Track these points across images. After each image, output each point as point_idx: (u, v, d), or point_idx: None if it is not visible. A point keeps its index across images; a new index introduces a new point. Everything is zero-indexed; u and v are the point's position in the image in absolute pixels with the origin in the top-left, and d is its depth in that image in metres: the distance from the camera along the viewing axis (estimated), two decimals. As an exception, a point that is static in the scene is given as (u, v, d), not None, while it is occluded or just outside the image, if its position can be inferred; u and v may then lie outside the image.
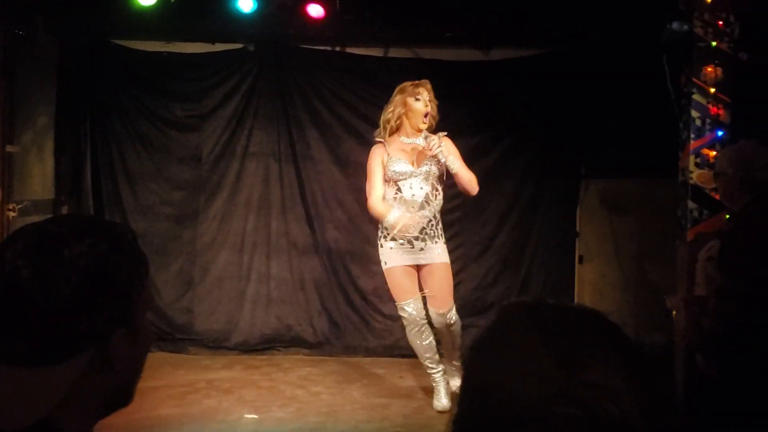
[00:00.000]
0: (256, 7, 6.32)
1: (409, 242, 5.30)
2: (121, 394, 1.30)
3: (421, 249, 5.32)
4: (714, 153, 5.40)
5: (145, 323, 1.30)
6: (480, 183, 7.01)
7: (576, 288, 7.25)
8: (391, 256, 5.36)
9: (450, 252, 7.07)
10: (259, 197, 7.22)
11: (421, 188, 5.29)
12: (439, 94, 7.12)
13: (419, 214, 5.26)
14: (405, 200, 5.28)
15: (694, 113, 5.42)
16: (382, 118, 5.41)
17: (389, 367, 6.77)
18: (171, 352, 7.08)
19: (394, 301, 5.57)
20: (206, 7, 6.51)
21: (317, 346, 7.18)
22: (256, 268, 7.21)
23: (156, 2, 6.18)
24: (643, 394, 0.90)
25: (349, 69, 7.20)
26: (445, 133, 5.32)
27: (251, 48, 7.15)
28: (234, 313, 7.20)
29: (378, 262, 5.61)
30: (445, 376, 5.57)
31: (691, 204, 5.45)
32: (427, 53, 7.15)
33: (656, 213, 6.79)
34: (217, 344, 7.17)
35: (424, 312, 5.46)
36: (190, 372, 6.51)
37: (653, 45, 5.75)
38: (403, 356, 7.01)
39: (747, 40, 5.43)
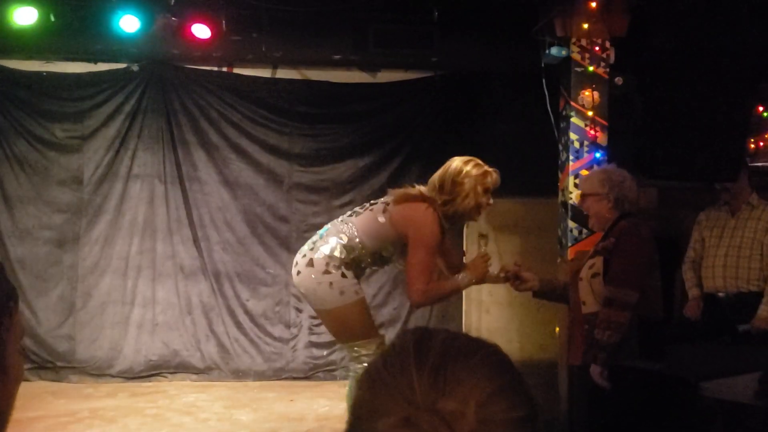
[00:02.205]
0: (140, 27, 6.20)
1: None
2: None
3: None
4: (592, 174, 5.63)
5: (16, 357, 1.25)
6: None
7: (464, 306, 7.37)
8: (357, 287, 4.11)
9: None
10: (143, 220, 7.05)
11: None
12: (327, 115, 7.22)
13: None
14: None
15: (573, 136, 5.65)
16: (443, 199, 4.08)
17: (280, 390, 6.70)
18: (52, 380, 6.83)
19: (361, 339, 4.10)
20: (89, 27, 6.32)
21: (205, 372, 7.05)
22: (140, 292, 7.02)
23: (35, 21, 5.99)
24: (495, 423, 0.93)
25: (237, 90, 7.15)
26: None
27: (135, 68, 7.00)
28: (118, 340, 6.99)
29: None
30: None
31: (571, 223, 5.66)
32: (315, 75, 7.19)
33: (539, 231, 7.01)
34: (100, 372, 6.94)
35: None
36: (72, 401, 6.27)
37: (533, 69, 5.96)
38: (294, 379, 6.99)
39: (622, 64, 5.70)
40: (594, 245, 4.18)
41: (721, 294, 5.44)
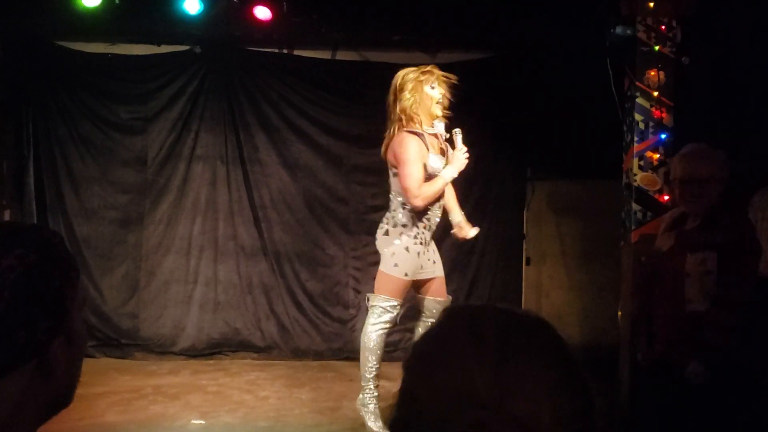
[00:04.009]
0: (202, 8, 6.27)
1: (426, 246, 4.97)
2: (62, 398, 1.28)
3: (434, 262, 5.10)
4: (657, 156, 5.50)
5: (80, 326, 1.28)
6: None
7: (524, 289, 7.31)
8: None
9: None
10: (206, 200, 7.14)
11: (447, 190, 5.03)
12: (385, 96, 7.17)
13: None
14: (440, 204, 4.98)
15: (638, 116, 5.52)
16: (397, 107, 4.83)
17: (338, 369, 6.76)
18: (116, 357, 6.98)
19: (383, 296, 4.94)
20: (152, 9, 6.43)
21: (265, 350, 7.14)
22: (203, 271, 7.13)
23: (100, 3, 6.10)
24: (564, 414, 0.89)
25: (297, 71, 7.17)
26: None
27: (197, 50, 7.07)
28: (181, 318, 7.11)
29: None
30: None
31: (635, 206, 5.54)
32: (375, 56, 7.16)
33: (601, 214, 6.89)
34: (163, 349, 7.08)
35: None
36: (136, 378, 6.40)
37: (597, 49, 5.84)
38: (353, 359, 7.00)
39: (688, 44, 5.55)
40: (688, 232, 3.83)
41: None
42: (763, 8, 5.74)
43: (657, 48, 5.45)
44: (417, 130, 4.80)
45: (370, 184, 7.18)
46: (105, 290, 7.09)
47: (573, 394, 0.91)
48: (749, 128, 5.99)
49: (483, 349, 0.92)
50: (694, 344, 3.69)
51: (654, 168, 5.50)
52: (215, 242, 7.15)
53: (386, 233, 4.91)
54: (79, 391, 1.32)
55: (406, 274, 4.87)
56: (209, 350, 7.12)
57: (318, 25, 6.64)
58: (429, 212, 4.90)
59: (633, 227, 5.55)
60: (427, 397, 0.92)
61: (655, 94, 5.48)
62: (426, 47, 7.10)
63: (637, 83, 5.50)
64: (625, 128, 5.74)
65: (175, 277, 7.13)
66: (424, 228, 4.90)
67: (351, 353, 7.08)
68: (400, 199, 4.88)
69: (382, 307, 4.92)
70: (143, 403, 5.74)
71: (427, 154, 4.78)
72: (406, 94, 4.80)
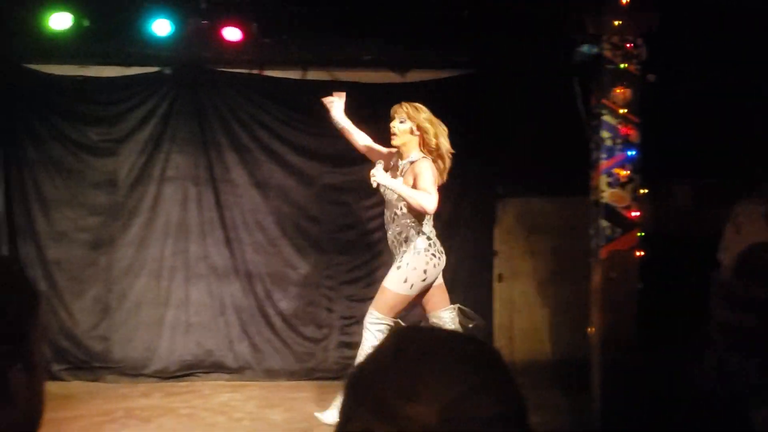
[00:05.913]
0: (172, 30, 6.27)
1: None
2: (26, 427, 1.27)
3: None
4: (625, 172, 5.56)
5: (41, 356, 1.27)
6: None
7: (497, 306, 7.33)
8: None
9: (374, 272, 7.12)
10: (177, 222, 7.10)
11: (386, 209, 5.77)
12: (357, 115, 7.19)
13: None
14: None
15: (605, 134, 5.58)
16: None
17: (311, 390, 6.72)
18: (88, 380, 6.91)
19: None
20: (122, 31, 6.42)
21: (238, 372, 7.09)
22: (174, 293, 7.08)
23: (70, 26, 6.08)
24: (463, 422, 0.92)
25: (268, 92, 7.17)
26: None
27: (168, 71, 7.05)
28: (152, 340, 7.05)
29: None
30: None
31: (603, 222, 5.59)
32: (345, 75, 7.19)
33: (572, 231, 6.95)
34: (135, 372, 7.01)
35: None
36: (108, 401, 6.34)
37: (565, 67, 5.92)
38: (326, 379, 6.99)
39: (654, 61, 5.64)
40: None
41: None
42: (725, 24, 5.86)
43: (623, 66, 5.53)
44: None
45: (341, 203, 7.21)
46: (76, 313, 7.01)
47: (482, 401, 0.94)
48: (714, 143, 6.09)
49: (401, 364, 0.97)
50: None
51: (622, 185, 5.56)
52: (186, 264, 7.11)
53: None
54: (50, 415, 1.32)
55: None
56: (181, 372, 7.06)
57: (288, 45, 6.67)
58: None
59: (602, 244, 5.60)
60: (343, 407, 0.98)
61: (622, 111, 5.55)
62: (395, 66, 7.15)
63: (604, 101, 5.56)
64: (592, 145, 5.80)
65: (147, 299, 7.08)
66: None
67: (324, 373, 7.07)
68: None
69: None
70: (115, 427, 5.68)
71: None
72: None
